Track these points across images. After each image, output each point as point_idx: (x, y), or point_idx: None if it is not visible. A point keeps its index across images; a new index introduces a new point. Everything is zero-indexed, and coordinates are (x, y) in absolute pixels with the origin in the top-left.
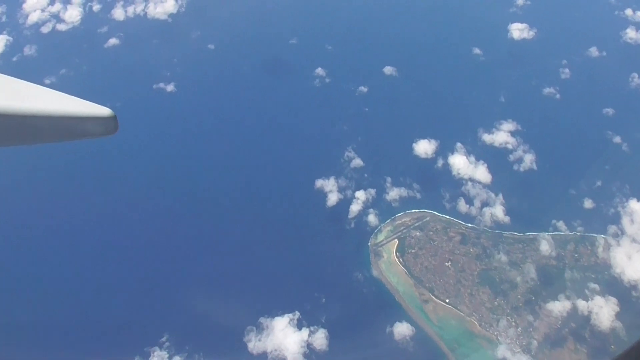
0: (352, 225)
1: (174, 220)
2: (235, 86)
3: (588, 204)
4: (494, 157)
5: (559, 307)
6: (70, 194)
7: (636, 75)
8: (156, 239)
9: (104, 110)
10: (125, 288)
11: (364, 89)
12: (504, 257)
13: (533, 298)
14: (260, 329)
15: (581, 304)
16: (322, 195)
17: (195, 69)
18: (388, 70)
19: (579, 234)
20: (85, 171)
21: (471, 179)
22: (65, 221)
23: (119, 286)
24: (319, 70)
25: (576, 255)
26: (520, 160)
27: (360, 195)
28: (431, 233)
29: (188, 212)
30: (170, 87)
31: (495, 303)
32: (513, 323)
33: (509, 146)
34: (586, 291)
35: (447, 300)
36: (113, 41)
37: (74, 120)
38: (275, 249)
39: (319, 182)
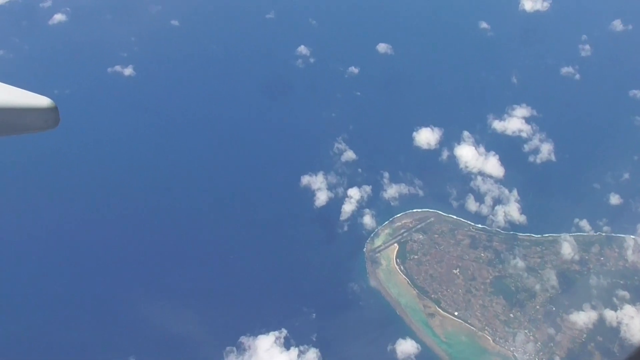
0: (345, 228)
1: (137, 225)
2: (204, 69)
3: (614, 199)
4: (507, 148)
5: (583, 318)
6: (9, 196)
7: None
8: (118, 248)
9: (42, 101)
10: (84, 302)
11: (354, 70)
12: (520, 263)
13: (554, 308)
14: (241, 349)
15: (609, 314)
16: (309, 194)
17: (156, 50)
18: (382, 47)
19: (604, 234)
20: (25, 172)
21: (481, 173)
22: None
23: (77, 301)
24: (302, 49)
25: (602, 258)
26: (536, 151)
27: (354, 193)
28: (436, 236)
29: (152, 216)
30: (128, 71)
31: (511, 315)
32: (531, 337)
33: (523, 135)
34: (614, 299)
35: (456, 313)
36: (59, 17)
37: (6, 113)
38: (256, 257)
39: (305, 179)
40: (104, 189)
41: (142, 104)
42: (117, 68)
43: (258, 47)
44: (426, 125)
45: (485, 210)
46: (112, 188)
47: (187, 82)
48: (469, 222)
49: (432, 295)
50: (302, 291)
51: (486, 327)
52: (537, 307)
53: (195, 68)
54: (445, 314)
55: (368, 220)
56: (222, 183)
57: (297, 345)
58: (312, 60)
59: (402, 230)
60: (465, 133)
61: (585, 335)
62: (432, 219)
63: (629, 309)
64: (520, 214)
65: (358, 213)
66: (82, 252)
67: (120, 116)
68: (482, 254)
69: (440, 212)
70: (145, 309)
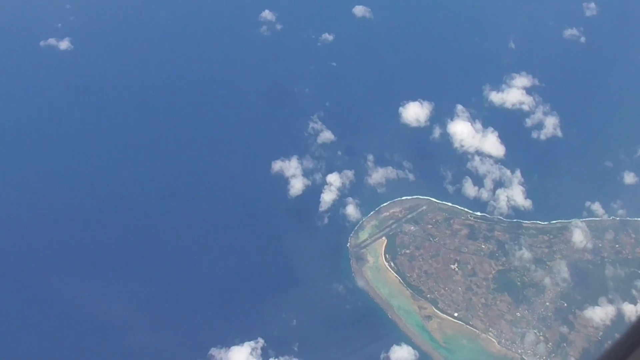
0: (325, 220)
1: (74, 221)
2: (154, 40)
3: (629, 178)
4: (506, 123)
5: (599, 313)
6: None
7: None
8: (53, 247)
9: None
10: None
11: (328, 37)
12: (526, 254)
13: (565, 304)
14: None
15: (628, 308)
16: (282, 182)
17: (96, 19)
18: (359, 10)
19: (619, 218)
20: None
21: (479, 153)
22: None
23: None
24: (266, 14)
25: (617, 246)
26: (540, 126)
27: (334, 179)
28: (429, 227)
29: (99, 211)
30: (64, 44)
31: (518, 314)
32: (542, 337)
33: (525, 107)
34: (633, 291)
35: (456, 314)
36: None
37: None
38: (225, 257)
39: (277, 165)
40: (35, 178)
41: (81, 82)
42: (51, 41)
43: (214, 12)
44: (414, 99)
45: (485, 195)
46: (46, 176)
47: (133, 55)
48: (466, 209)
49: (428, 295)
50: (279, 295)
51: (490, 329)
52: (547, 303)
53: (142, 39)
54: (444, 315)
55: (351, 210)
56: (176, 173)
57: (276, 357)
58: (278, 27)
59: (391, 221)
60: (459, 107)
61: (601, 333)
62: (425, 207)
63: None
64: (525, 198)
65: (339, 203)
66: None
67: (55, 96)
68: (483, 246)
69: (433, 199)
70: (96, 318)
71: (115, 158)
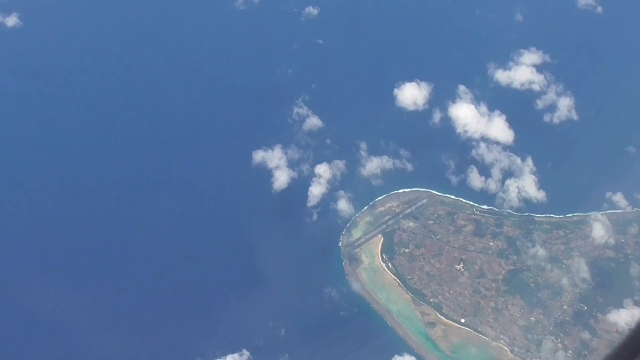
0: (314, 216)
1: (30, 219)
2: (115, 15)
3: None
4: (515, 105)
5: (624, 317)
6: None
7: None
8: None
9: None
10: None
11: (312, 10)
12: (540, 251)
13: (586, 307)
14: None
15: None
16: (265, 174)
17: None
18: None
19: None
20: None
21: (484, 139)
22: None
23: None
24: None
25: None
26: (552, 108)
27: (323, 171)
28: (431, 222)
29: (53, 209)
30: (11, 20)
31: (532, 319)
32: (560, 345)
33: (535, 87)
34: None
35: (463, 320)
36: None
37: None
38: (203, 261)
39: (258, 155)
40: None
41: (31, 61)
42: None
43: None
44: (410, 80)
45: (492, 186)
46: None
47: (90, 32)
48: (471, 202)
49: (431, 299)
50: (265, 301)
51: (501, 336)
52: (565, 307)
53: (102, 14)
54: (449, 321)
55: (343, 205)
56: (142, 167)
57: None
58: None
59: (387, 217)
60: (461, 88)
61: None
62: (425, 201)
63: None
64: (538, 189)
65: (329, 197)
66: None
67: (2, 77)
68: (491, 243)
69: (434, 191)
70: (57, 330)
71: (70, 149)
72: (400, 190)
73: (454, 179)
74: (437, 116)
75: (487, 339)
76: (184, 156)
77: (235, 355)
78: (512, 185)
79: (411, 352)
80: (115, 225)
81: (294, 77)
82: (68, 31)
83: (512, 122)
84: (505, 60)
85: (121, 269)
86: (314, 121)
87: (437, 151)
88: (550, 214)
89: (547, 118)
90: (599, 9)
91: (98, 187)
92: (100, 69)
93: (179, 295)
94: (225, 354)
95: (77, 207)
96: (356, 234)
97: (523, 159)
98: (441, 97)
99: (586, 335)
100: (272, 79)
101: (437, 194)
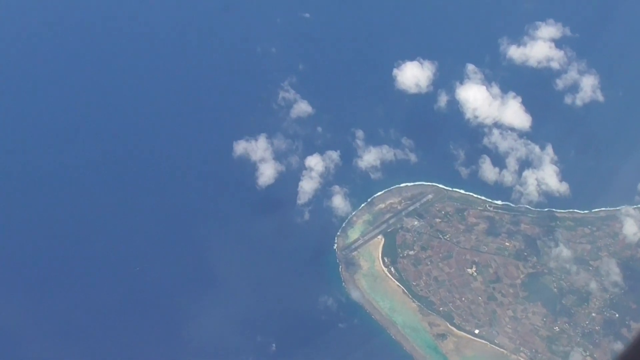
0: (306, 215)
1: None
2: None
3: None
4: (531, 85)
5: None
6: None
7: None
8: None
9: None
10: None
11: None
12: (564, 252)
13: (617, 315)
14: None
15: None
16: (248, 167)
17: None
18: None
19: None
20: None
21: (498, 125)
22: None
23: None
24: None
25: None
26: (574, 88)
27: (314, 163)
28: (438, 221)
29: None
30: None
31: (556, 329)
32: (589, 358)
33: (554, 65)
34: None
35: (477, 331)
36: None
37: None
38: (180, 268)
39: (240, 146)
40: None
41: None
42: None
43: None
44: (412, 59)
45: (508, 178)
46: None
47: (50, 9)
48: (484, 197)
49: (440, 308)
50: (253, 313)
51: (522, 348)
52: (593, 314)
53: None
54: (461, 333)
55: (338, 202)
56: (106, 162)
57: None
58: None
59: (388, 215)
60: (470, 67)
61: None
62: (431, 196)
63: None
64: (560, 181)
65: (322, 193)
66: None
67: None
68: (507, 243)
69: (441, 185)
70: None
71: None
72: (403, 185)
73: (463, 171)
74: (443, 99)
75: (505, 352)
76: (156, 149)
77: None
78: (530, 177)
79: None
80: (79, 224)
81: (278, 56)
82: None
83: (528, 105)
84: (519, 34)
85: (86, 275)
86: (302, 107)
87: (444, 139)
88: (574, 209)
89: (568, 100)
90: None
91: (59, 180)
92: (69, 48)
93: (152, 311)
94: None
95: (37, 202)
96: (353, 234)
97: (542, 147)
98: (447, 78)
99: (618, 346)
100: (252, 58)
101: (444, 188)
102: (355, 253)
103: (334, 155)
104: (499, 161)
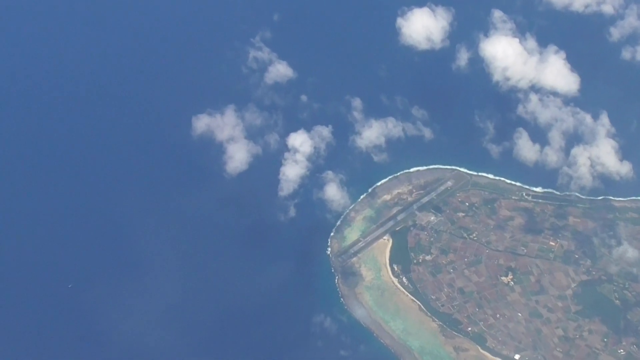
0: (291, 211)
1: None
2: None
3: None
4: (578, 36)
5: None
6: None
7: None
8: None
9: None
10: None
11: None
12: (629, 252)
13: None
14: None
15: None
16: (213, 149)
17: None
18: None
19: None
20: None
21: (536, 88)
22: None
23: None
24: None
25: None
26: (633, 38)
27: (300, 142)
28: (461, 215)
29: None
30: None
31: (621, 351)
32: None
33: (607, 9)
34: None
35: (517, 357)
36: None
37: None
38: (142, 285)
39: (201, 122)
40: None
41: None
42: None
43: None
44: (420, 5)
45: (552, 158)
46: None
47: None
48: (519, 184)
49: (468, 328)
50: (229, 341)
51: None
52: None
53: None
54: (496, 359)
55: (332, 192)
56: (54, 143)
57: None
58: None
59: (396, 209)
60: (497, 14)
61: None
62: (451, 184)
63: None
64: (620, 159)
65: (311, 181)
66: None
67: None
68: (552, 243)
69: (463, 169)
70: None
71: None
72: (414, 169)
73: (493, 150)
74: (463, 57)
75: None
76: (97, 126)
77: None
78: (580, 155)
79: None
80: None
81: (247, 3)
82: None
83: (575, 63)
84: None
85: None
86: (280, 69)
87: (466, 109)
88: (638, 196)
89: (626, 54)
90: None
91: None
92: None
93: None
94: None
95: None
96: (352, 235)
97: (595, 117)
98: (468, 29)
99: None
100: (213, 6)
101: (468, 173)
102: (355, 259)
103: (325, 131)
104: (539, 136)
